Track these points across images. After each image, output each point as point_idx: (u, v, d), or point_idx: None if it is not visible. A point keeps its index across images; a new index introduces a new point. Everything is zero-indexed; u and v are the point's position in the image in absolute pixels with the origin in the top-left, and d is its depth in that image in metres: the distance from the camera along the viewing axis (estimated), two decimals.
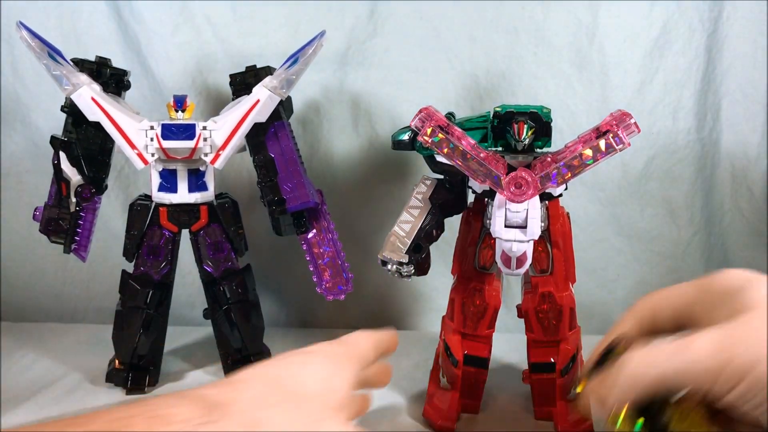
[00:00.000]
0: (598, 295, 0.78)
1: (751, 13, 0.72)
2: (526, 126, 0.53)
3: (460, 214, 0.58)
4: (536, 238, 0.50)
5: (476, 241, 0.56)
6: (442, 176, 0.57)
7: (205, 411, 0.34)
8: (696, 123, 0.75)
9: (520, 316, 0.57)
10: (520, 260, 0.51)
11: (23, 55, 0.76)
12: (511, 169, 0.50)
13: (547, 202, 0.54)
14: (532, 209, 0.50)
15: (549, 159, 0.50)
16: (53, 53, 0.58)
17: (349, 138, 0.77)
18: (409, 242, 0.54)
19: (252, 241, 0.67)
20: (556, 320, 0.55)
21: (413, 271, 0.54)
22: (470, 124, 0.55)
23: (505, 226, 0.50)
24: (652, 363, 0.33)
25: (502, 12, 0.73)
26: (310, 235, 0.64)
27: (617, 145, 0.49)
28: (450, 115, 0.54)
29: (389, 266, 0.54)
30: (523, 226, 0.50)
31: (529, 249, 0.51)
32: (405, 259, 0.54)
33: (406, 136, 0.56)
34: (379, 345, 0.46)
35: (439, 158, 0.53)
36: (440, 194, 0.57)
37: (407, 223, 0.55)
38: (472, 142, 0.51)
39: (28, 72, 0.77)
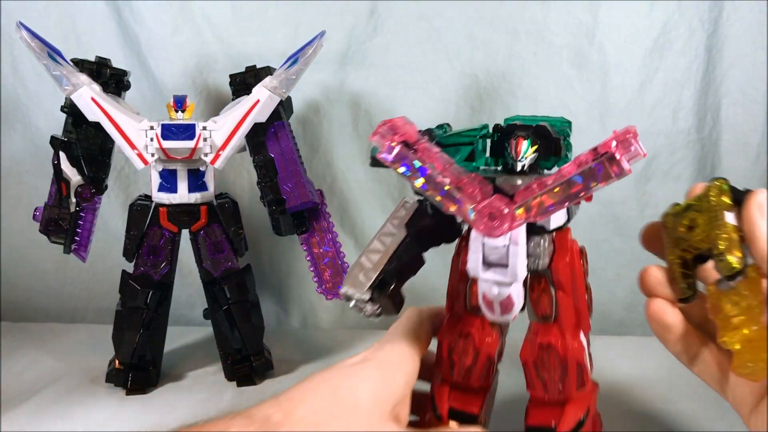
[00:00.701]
0: (598, 295, 0.77)
1: (751, 13, 0.72)
2: (526, 142, 0.43)
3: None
4: (519, 280, 0.42)
5: (467, 276, 0.46)
6: (423, 198, 0.46)
7: (259, 428, 0.36)
8: (696, 123, 0.75)
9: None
10: (504, 305, 0.42)
11: (23, 55, 0.76)
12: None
13: (554, 233, 0.45)
14: (514, 246, 0.41)
15: (535, 186, 0.40)
16: (53, 53, 0.58)
17: (349, 138, 0.77)
18: (374, 276, 0.44)
19: (252, 241, 0.67)
20: (560, 377, 0.44)
21: (378, 310, 0.45)
22: (456, 140, 0.46)
23: (484, 263, 0.42)
24: None
25: (502, 12, 0.73)
26: (310, 235, 0.64)
27: (615, 174, 0.38)
28: (445, 126, 0.48)
29: (351, 303, 0.45)
30: (504, 265, 0.42)
31: (515, 292, 0.42)
32: (366, 296, 0.44)
33: None
34: (428, 331, 0.47)
35: None
36: (419, 220, 0.46)
37: (376, 253, 0.45)
38: (448, 161, 0.41)
39: (28, 72, 0.77)
